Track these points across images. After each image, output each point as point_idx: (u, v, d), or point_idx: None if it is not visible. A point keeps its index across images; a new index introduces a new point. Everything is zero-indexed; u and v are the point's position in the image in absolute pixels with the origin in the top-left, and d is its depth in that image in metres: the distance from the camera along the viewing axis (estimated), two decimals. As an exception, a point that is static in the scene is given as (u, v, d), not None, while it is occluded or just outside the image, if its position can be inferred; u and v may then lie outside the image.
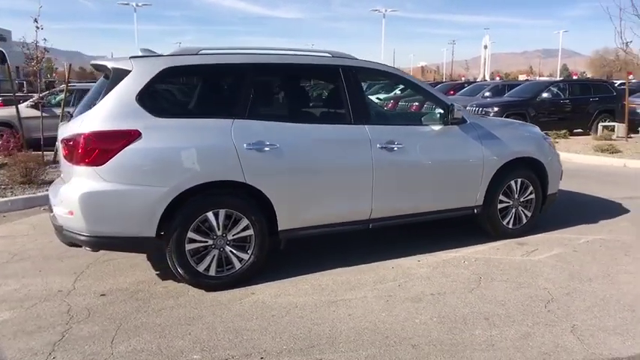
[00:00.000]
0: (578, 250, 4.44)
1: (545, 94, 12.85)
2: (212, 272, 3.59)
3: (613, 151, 9.39)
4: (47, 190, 6.62)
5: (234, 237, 3.62)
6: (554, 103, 12.79)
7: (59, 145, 3.52)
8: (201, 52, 3.68)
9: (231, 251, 3.62)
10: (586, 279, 3.80)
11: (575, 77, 42.88)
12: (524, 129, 5.05)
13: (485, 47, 66.62)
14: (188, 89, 3.81)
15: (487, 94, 15.31)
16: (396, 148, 4.03)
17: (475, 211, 4.54)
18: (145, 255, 4.29)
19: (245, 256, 3.67)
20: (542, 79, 45.79)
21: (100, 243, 3.40)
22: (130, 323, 3.14)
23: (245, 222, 3.61)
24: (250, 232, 3.64)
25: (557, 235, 4.87)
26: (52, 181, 7.10)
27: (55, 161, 8.56)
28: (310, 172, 3.78)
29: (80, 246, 3.56)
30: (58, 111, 10.69)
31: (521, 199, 4.79)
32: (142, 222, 3.34)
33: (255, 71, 3.74)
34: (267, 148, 3.59)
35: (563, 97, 12.97)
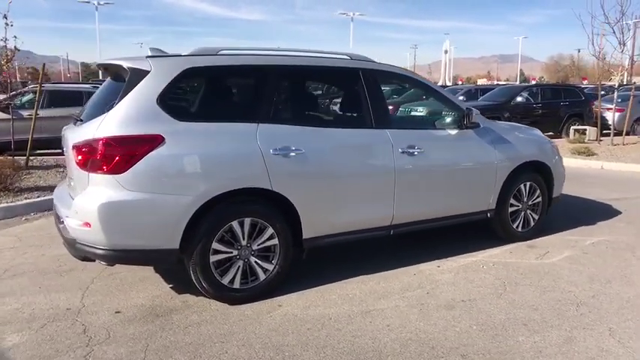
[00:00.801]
0: (587, 252, 4.51)
1: (519, 99, 13.22)
2: (236, 284, 3.40)
3: (589, 153, 9.73)
4: (26, 199, 6.24)
5: (259, 247, 3.45)
6: (527, 106, 13.17)
7: (70, 150, 3.24)
8: (220, 53, 3.50)
9: (255, 262, 3.45)
10: (605, 281, 3.85)
11: (533, 82, 44.59)
12: (531, 133, 5.11)
13: (446, 52, 68.32)
14: (210, 91, 3.59)
15: (461, 97, 15.60)
16: (416, 153, 3.97)
17: (488, 215, 4.54)
18: (151, 268, 4.05)
19: (269, 267, 3.50)
20: (500, 83, 47.32)
21: (119, 257, 3.15)
22: (157, 343, 2.92)
23: (270, 231, 3.45)
24: (275, 241, 3.48)
25: (563, 238, 4.94)
26: (29, 189, 6.68)
27: (28, 167, 8.07)
28: (334, 177, 3.66)
29: (94, 260, 3.30)
30: (25, 113, 10.12)
31: (530, 203, 4.83)
32: (166, 233, 3.13)
33: (279, 73, 3.58)
34: (292, 154, 3.44)
35: (535, 101, 13.39)
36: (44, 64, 8.30)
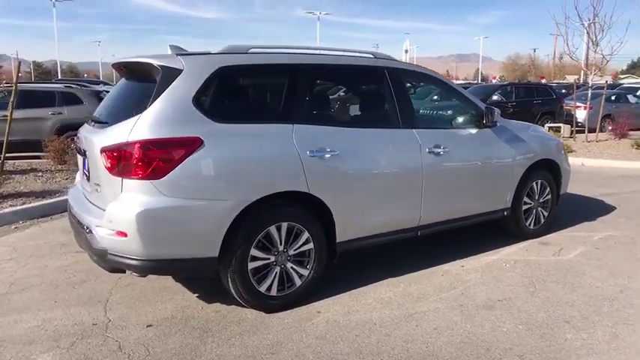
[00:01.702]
0: (599, 248, 4.63)
1: (494, 97, 13.55)
2: (273, 292, 3.28)
3: (568, 150, 10.04)
4: (11, 206, 5.83)
5: (295, 252, 3.33)
6: (503, 105, 13.48)
7: (97, 155, 3.01)
8: (250, 51, 3.35)
9: (292, 267, 3.34)
10: (626, 276, 3.95)
11: (494, 80, 45.97)
12: (539, 131, 5.20)
13: (406, 51, 69.49)
14: (244, 91, 3.44)
15: (435, 97, 15.81)
16: (442, 152, 3.95)
17: (505, 213, 4.58)
18: (170, 277, 3.84)
19: (305, 272, 3.40)
20: (459, 82, 48.27)
21: (155, 267, 2.96)
22: (204, 357, 2.77)
23: (306, 235, 3.34)
24: (310, 245, 3.38)
25: (570, 234, 5.05)
26: (11, 195, 6.23)
27: (4, 171, 7.56)
28: (367, 179, 3.59)
29: (124, 271, 3.09)
30: (-8, 115, 9.48)
31: (540, 200, 4.92)
32: (206, 241, 2.97)
33: (311, 72, 3.47)
34: (327, 155, 3.34)
35: (509, 99, 13.76)
36: (20, 63, 7.79)
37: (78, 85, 11.89)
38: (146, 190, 2.81)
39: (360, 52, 3.90)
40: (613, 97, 14.90)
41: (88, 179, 3.33)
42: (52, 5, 39.79)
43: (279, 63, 3.38)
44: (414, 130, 3.86)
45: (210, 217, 2.94)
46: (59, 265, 4.18)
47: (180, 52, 3.38)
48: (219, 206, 2.96)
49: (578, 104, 13.29)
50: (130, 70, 3.49)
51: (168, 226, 2.86)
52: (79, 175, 3.82)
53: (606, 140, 11.94)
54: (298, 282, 3.37)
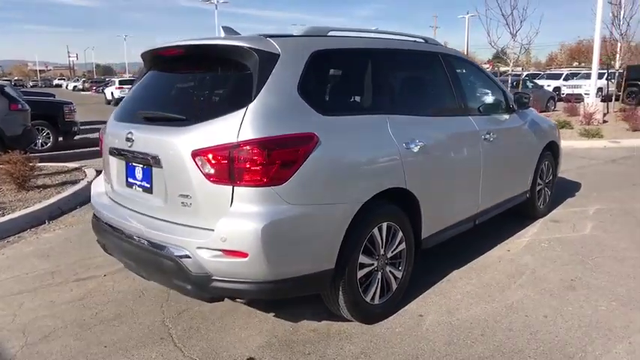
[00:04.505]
0: (603, 221, 4.96)
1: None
2: (376, 300, 2.98)
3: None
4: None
5: (392, 254, 3.06)
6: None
7: (187, 159, 2.42)
8: (330, 34, 2.97)
9: (390, 271, 3.06)
10: (651, 244, 4.29)
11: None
12: (539, 114, 5.43)
13: (294, 43, 70.14)
14: (338, 79, 3.00)
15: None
16: (492, 139, 3.91)
17: (527, 195, 4.72)
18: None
19: (399, 274, 3.14)
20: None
21: (273, 290, 2.45)
22: (349, 386, 2.39)
23: (400, 234, 3.08)
24: (403, 245, 3.12)
25: (567, 210, 5.37)
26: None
27: None
28: (446, 169, 3.43)
29: (222, 299, 2.57)
30: None
31: (547, 180, 5.16)
32: (325, 251, 2.57)
33: (396, 58, 3.21)
34: (417, 147, 3.09)
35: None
36: None
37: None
38: (267, 198, 2.33)
39: (414, 37, 3.70)
40: (514, 83, 16.41)
41: (150, 191, 2.69)
42: None
43: (366, 48, 3.03)
44: (469, 117, 3.78)
45: (331, 224, 2.55)
46: (69, 300, 3.39)
47: (231, 33, 2.92)
48: (339, 210, 2.58)
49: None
50: (198, 55, 2.83)
51: (294, 239, 2.41)
52: (110, 185, 3.09)
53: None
54: (394, 286, 3.10)
